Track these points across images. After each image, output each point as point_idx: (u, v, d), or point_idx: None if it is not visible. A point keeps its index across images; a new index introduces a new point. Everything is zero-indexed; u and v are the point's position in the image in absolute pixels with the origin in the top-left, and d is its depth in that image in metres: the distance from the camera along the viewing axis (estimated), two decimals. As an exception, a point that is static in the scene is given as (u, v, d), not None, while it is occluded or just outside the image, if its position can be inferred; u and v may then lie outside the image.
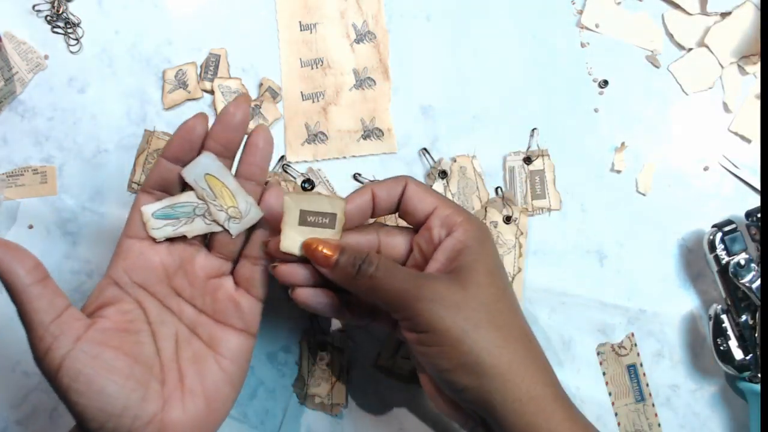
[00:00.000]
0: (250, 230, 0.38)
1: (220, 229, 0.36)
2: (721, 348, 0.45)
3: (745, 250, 0.45)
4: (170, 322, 0.36)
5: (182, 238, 0.36)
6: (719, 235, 0.45)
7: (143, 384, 0.33)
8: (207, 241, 0.38)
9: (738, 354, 0.45)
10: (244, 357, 0.37)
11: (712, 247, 0.45)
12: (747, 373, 0.45)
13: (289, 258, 0.36)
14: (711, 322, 0.46)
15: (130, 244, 0.35)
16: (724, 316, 0.45)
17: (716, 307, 0.46)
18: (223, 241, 0.37)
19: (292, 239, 0.35)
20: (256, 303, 0.38)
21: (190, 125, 0.35)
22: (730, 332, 0.45)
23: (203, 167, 0.35)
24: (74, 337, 0.31)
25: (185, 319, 0.37)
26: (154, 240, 0.35)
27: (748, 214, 0.45)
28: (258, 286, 0.37)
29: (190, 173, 0.35)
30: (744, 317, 0.45)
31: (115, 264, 0.35)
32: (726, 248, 0.45)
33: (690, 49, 0.49)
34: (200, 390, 0.35)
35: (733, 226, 0.45)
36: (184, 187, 0.36)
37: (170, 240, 0.36)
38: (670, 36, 0.49)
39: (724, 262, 0.45)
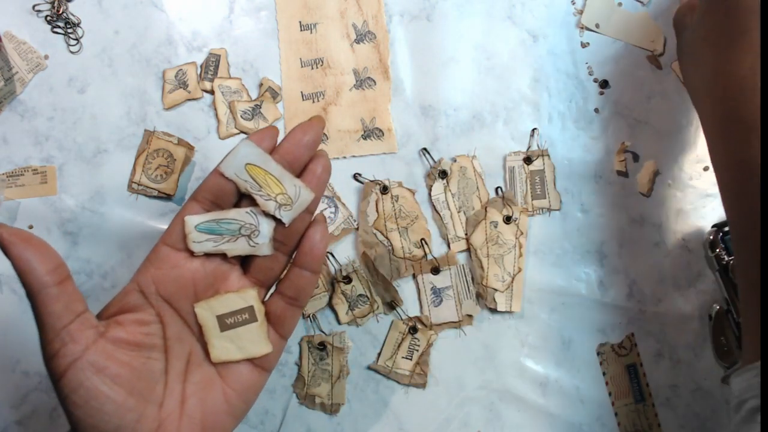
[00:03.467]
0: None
1: (264, 252, 0.34)
2: (722, 348, 0.45)
3: (745, 250, 0.45)
4: (187, 341, 0.34)
5: (220, 255, 0.34)
6: (719, 235, 0.45)
7: (141, 404, 0.31)
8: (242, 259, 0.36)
9: (738, 354, 0.45)
10: (252, 392, 0.35)
11: (712, 247, 0.45)
12: (747, 373, 0.45)
13: None
14: (711, 322, 0.46)
15: (166, 253, 0.34)
16: (724, 316, 0.45)
17: (716, 307, 0.46)
18: (263, 266, 0.35)
19: (221, 348, 0.34)
20: (280, 341, 0.36)
21: (258, 138, 0.33)
22: (730, 332, 0.45)
23: (243, 157, 0.33)
24: (83, 345, 0.30)
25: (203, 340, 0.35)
26: (191, 253, 0.34)
27: (748, 214, 0.45)
28: (287, 326, 0.35)
29: (229, 166, 0.33)
30: (744, 317, 0.45)
31: (145, 270, 0.33)
32: (726, 248, 0.45)
33: (690, 49, 0.49)
34: (199, 417, 0.33)
35: (733, 226, 0.45)
36: (237, 203, 0.35)
37: (207, 254, 0.34)
38: (671, 36, 0.49)
39: (724, 262, 0.45)
